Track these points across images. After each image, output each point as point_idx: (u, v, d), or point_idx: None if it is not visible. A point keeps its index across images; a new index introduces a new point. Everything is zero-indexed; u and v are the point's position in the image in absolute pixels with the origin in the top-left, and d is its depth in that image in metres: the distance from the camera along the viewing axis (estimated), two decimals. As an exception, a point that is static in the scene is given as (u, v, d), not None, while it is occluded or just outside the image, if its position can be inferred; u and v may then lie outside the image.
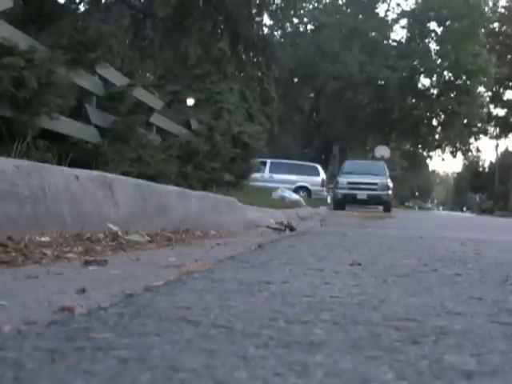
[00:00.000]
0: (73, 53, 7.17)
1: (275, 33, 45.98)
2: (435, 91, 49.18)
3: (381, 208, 26.60)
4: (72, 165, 6.19)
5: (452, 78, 49.07)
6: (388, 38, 48.95)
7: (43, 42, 7.17)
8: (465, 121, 49.56)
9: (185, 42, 12.84)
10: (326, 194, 29.46)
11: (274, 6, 38.53)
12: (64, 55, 6.95)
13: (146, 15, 12.38)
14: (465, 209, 77.37)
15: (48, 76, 6.31)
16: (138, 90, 9.40)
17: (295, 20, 50.37)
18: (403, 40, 47.89)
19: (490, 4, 53.36)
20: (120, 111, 8.75)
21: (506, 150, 66.79)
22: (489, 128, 55.95)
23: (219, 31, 24.42)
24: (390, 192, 26.29)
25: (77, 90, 7.54)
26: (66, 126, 7.31)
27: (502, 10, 54.30)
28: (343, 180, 26.38)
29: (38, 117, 6.43)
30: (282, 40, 45.40)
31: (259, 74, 31.54)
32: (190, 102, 16.85)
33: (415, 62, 46.12)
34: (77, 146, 7.64)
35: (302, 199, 19.35)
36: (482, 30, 48.65)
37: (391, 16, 48.96)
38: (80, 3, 14.49)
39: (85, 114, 8.07)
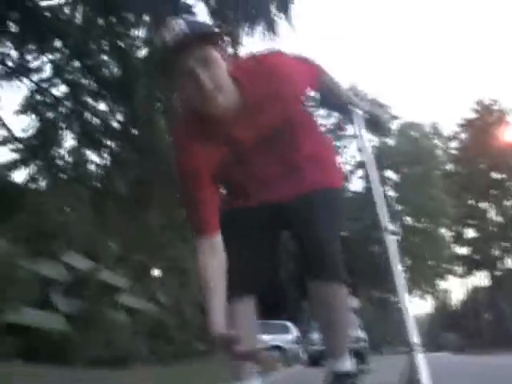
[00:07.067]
0: (35, 244, 7.17)
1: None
2: (399, 237, 49.58)
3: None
4: (39, 357, 6.03)
5: (413, 223, 49.79)
6: (347, 190, 49.74)
7: (3, 234, 7.16)
8: (430, 263, 49.87)
9: (147, 214, 12.92)
10: (300, 350, 29.02)
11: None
12: (26, 247, 6.93)
13: (105, 193, 12.48)
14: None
15: (10, 271, 6.26)
16: (102, 272, 9.37)
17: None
18: (362, 190, 48.71)
19: (442, 147, 55.02)
20: (86, 295, 8.68)
21: (475, 287, 66.91)
22: (455, 268, 56.29)
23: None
24: (364, 344, 25.93)
25: (41, 279, 7.49)
26: (32, 317, 7.19)
27: (454, 152, 55.91)
28: (316, 336, 26.05)
29: (3, 313, 6.32)
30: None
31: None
32: (156, 272, 16.80)
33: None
34: (44, 336, 7.50)
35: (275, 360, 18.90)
36: (437, 173, 49.82)
37: (348, 168, 49.93)
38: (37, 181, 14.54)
39: (51, 303, 7.98)
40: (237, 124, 2.59)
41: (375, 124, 3.14)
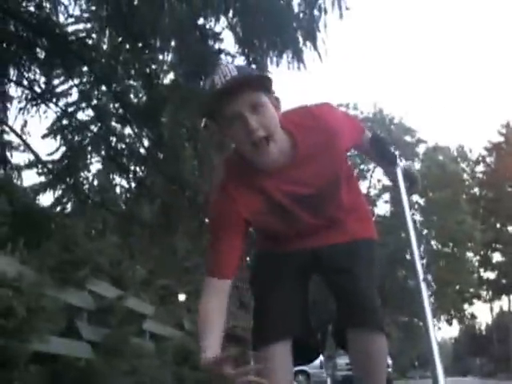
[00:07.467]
0: (61, 273, 7.14)
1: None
2: (424, 261, 49.22)
3: None
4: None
5: (439, 247, 49.39)
6: (373, 215, 49.37)
7: (30, 262, 7.14)
8: (457, 287, 49.42)
9: (172, 239, 12.87)
10: (325, 375, 28.73)
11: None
12: (52, 276, 6.91)
13: (131, 218, 12.45)
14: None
15: (37, 301, 6.22)
16: (129, 299, 9.34)
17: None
18: (388, 214, 48.28)
19: (469, 171, 54.63)
20: (112, 323, 8.64)
21: (502, 311, 66.19)
22: (481, 292, 55.73)
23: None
24: (389, 369, 25.66)
25: (67, 307, 7.46)
26: (57, 346, 7.13)
27: (481, 175, 55.44)
28: (341, 361, 25.82)
29: (29, 342, 6.26)
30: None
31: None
32: (182, 297, 16.73)
33: (402, 235, 46.17)
34: (69, 364, 7.44)
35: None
36: (464, 197, 49.41)
37: (373, 192, 49.58)
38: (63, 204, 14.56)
39: (76, 330, 7.92)
40: (283, 176, 2.52)
41: (410, 182, 3.09)
